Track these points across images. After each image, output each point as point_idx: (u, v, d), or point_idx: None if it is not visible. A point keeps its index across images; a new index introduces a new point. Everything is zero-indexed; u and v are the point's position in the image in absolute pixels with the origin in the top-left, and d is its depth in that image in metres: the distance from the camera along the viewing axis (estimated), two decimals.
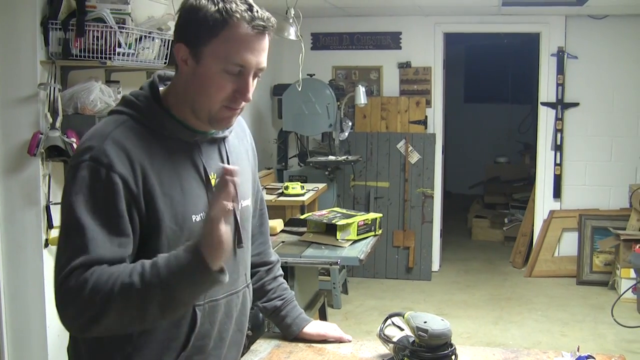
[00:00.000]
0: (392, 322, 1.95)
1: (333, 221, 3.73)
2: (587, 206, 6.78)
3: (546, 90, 6.79)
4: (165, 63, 3.64)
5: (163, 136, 1.62)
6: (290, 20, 4.81)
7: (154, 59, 3.60)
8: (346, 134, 6.34)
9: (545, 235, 6.84)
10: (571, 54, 6.66)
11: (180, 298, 1.44)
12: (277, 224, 4.14)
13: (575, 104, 6.73)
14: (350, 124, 6.47)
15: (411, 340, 1.84)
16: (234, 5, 1.53)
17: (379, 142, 6.73)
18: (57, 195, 3.41)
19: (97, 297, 1.40)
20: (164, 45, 3.63)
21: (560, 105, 6.74)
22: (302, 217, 4.19)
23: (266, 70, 1.63)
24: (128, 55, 3.39)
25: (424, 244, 6.72)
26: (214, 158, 1.71)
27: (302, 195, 5.21)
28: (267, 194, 5.23)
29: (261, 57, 1.58)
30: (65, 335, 1.63)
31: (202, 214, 1.62)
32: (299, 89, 5.40)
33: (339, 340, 2.07)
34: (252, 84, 1.60)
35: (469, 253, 7.81)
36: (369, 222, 3.86)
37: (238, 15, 1.53)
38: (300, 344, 2.04)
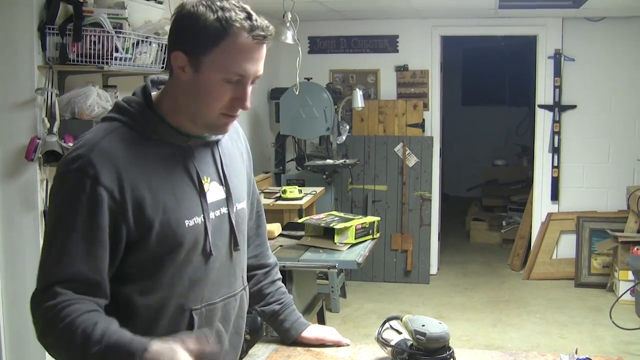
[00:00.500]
0: (390, 326, 1.95)
1: (331, 225, 3.74)
2: (584, 208, 6.79)
3: (543, 92, 6.80)
4: (162, 67, 3.64)
5: (155, 142, 1.62)
6: (288, 24, 4.81)
7: (151, 63, 3.60)
8: (344, 137, 6.34)
9: (543, 237, 6.84)
10: (568, 56, 6.68)
11: None
12: (275, 227, 4.14)
13: (573, 107, 6.74)
14: (347, 127, 6.47)
15: (409, 343, 1.84)
16: (233, 14, 1.52)
17: (376, 145, 6.74)
18: None
19: (50, 333, 1.48)
20: (161, 50, 3.64)
21: (558, 107, 6.75)
22: (300, 220, 4.19)
23: (263, 74, 1.62)
24: (125, 59, 3.39)
25: (422, 247, 6.72)
26: (208, 162, 1.71)
27: (300, 199, 5.20)
28: (264, 197, 5.23)
29: (259, 65, 1.59)
30: None
31: (195, 219, 1.63)
32: (297, 93, 5.41)
33: (337, 344, 2.06)
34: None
35: (467, 256, 7.81)
36: (367, 226, 3.86)
37: (238, 25, 1.52)
38: (299, 348, 2.04)
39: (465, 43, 8.95)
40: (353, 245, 3.76)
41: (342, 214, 4.06)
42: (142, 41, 3.50)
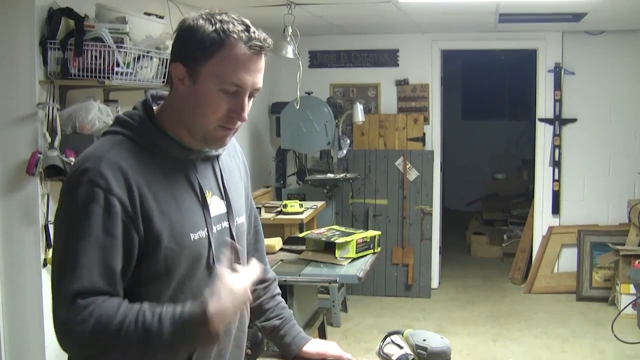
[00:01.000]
0: (392, 340, 1.95)
1: (332, 239, 3.73)
2: (585, 222, 6.78)
3: (544, 106, 6.81)
4: (163, 82, 3.65)
5: (158, 155, 1.62)
6: (288, 39, 4.82)
7: (152, 78, 3.61)
8: (344, 151, 6.35)
9: (545, 251, 6.83)
10: (568, 69, 6.69)
11: (178, 354, 1.49)
12: (276, 242, 4.14)
13: (573, 120, 6.75)
14: (348, 141, 6.49)
15: (410, 358, 1.84)
16: (231, 26, 1.55)
17: (377, 159, 6.74)
18: None
19: (99, 343, 1.44)
20: (162, 64, 3.65)
21: (558, 121, 6.76)
22: (301, 235, 4.19)
23: (264, 88, 1.64)
24: (126, 74, 3.40)
25: (423, 261, 6.71)
26: (209, 176, 1.72)
27: (301, 213, 5.20)
28: (265, 212, 5.23)
29: (257, 77, 1.60)
30: (64, 355, 1.62)
31: (199, 232, 1.63)
32: (297, 107, 5.41)
33: (339, 359, 2.06)
34: (248, 104, 1.61)
35: (468, 270, 7.79)
36: (368, 240, 3.86)
37: (235, 36, 1.54)
38: None
39: (465, 57, 8.97)
40: (354, 259, 3.75)
41: (343, 228, 4.06)
42: (143, 56, 3.51)
